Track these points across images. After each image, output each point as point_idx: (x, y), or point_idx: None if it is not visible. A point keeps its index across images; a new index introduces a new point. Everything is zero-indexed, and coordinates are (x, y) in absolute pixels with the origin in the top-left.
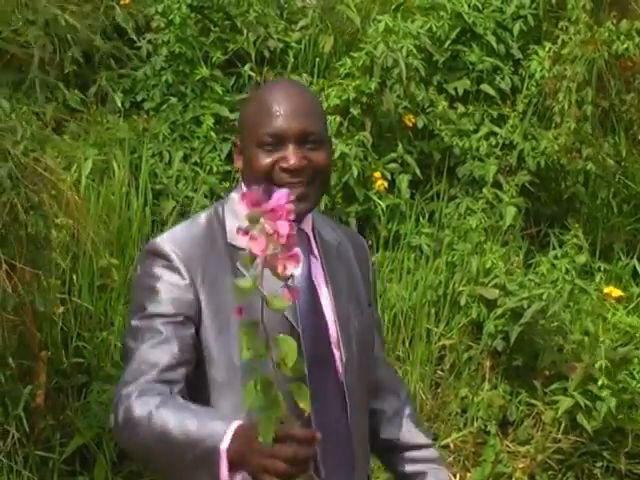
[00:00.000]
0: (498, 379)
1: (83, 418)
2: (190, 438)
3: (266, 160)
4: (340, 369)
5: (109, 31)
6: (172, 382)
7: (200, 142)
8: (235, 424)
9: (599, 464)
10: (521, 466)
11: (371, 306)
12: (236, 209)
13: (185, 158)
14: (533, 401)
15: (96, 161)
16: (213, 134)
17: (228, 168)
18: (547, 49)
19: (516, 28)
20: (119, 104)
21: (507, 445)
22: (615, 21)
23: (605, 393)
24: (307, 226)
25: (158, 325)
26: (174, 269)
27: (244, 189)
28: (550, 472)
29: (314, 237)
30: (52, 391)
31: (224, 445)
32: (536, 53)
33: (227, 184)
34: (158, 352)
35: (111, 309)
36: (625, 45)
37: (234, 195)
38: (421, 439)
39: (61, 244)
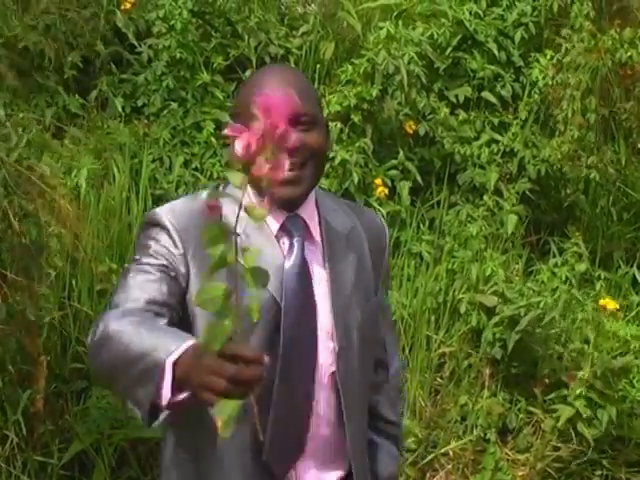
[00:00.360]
0: (497, 387)
1: (82, 423)
2: (142, 350)
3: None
4: (330, 359)
5: (110, 36)
6: (158, 314)
7: (201, 148)
8: (189, 342)
9: (598, 472)
10: (520, 474)
11: (378, 292)
12: (234, 192)
13: (185, 163)
14: (532, 409)
15: (94, 168)
16: (214, 140)
17: None
18: (549, 57)
19: (517, 36)
20: (120, 109)
21: (506, 453)
22: (618, 29)
23: (608, 402)
24: (305, 212)
25: (150, 268)
26: (170, 237)
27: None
28: None
29: (319, 223)
30: (51, 396)
31: (171, 358)
32: (537, 61)
33: None
34: (148, 287)
35: None
36: (629, 53)
37: None
38: (390, 415)
39: (60, 249)
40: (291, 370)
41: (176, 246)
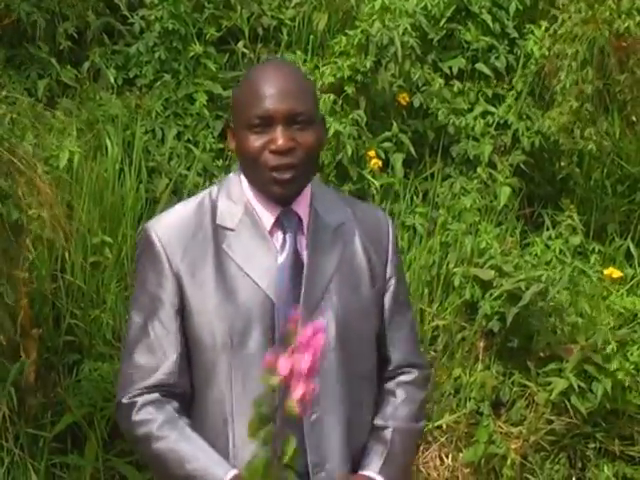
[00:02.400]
0: (491, 360)
1: (74, 396)
2: (188, 472)
3: (255, 143)
4: None
5: (101, 7)
6: (172, 392)
7: (193, 119)
8: (233, 473)
9: (592, 445)
10: (514, 447)
11: (376, 285)
12: (231, 190)
13: (178, 135)
14: (526, 382)
15: (85, 141)
16: (206, 111)
17: (221, 146)
18: (544, 28)
19: (512, 7)
20: (112, 80)
21: (500, 426)
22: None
23: (603, 375)
24: (299, 206)
25: (161, 314)
26: (159, 258)
27: (237, 173)
28: (543, 453)
29: (309, 214)
30: (43, 369)
31: None
32: (532, 32)
33: (220, 162)
34: (159, 352)
35: (104, 287)
36: (626, 24)
37: (231, 176)
38: (379, 420)
39: (41, 231)
40: None
41: (167, 262)
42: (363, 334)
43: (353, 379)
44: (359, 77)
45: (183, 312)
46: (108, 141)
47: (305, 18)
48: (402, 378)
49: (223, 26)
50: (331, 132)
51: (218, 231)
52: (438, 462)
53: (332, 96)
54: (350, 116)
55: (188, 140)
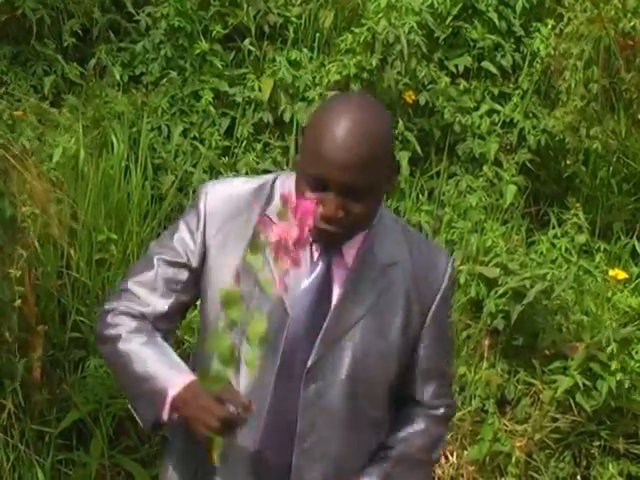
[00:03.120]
0: (496, 358)
1: (80, 392)
2: (147, 374)
3: (307, 194)
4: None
5: (107, 4)
6: (154, 326)
7: (199, 116)
8: (189, 378)
9: (596, 443)
10: (518, 445)
11: (407, 336)
12: (290, 188)
13: (184, 132)
14: (531, 380)
15: (90, 138)
16: (212, 109)
17: (227, 143)
18: (550, 27)
19: (518, 5)
20: (118, 78)
21: (505, 424)
22: None
23: (609, 373)
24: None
25: (167, 259)
26: (197, 222)
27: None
28: (547, 451)
29: (359, 247)
30: (49, 365)
31: (172, 392)
32: (538, 30)
33: (226, 159)
34: (157, 292)
35: (109, 284)
36: (632, 23)
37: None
38: (390, 441)
39: (34, 229)
40: (287, 371)
41: (202, 230)
42: (380, 379)
43: (358, 421)
44: (365, 75)
45: (199, 281)
46: (114, 138)
47: (311, 16)
48: (426, 411)
49: (229, 23)
50: None
51: (264, 221)
52: (443, 460)
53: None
54: None
55: (194, 137)
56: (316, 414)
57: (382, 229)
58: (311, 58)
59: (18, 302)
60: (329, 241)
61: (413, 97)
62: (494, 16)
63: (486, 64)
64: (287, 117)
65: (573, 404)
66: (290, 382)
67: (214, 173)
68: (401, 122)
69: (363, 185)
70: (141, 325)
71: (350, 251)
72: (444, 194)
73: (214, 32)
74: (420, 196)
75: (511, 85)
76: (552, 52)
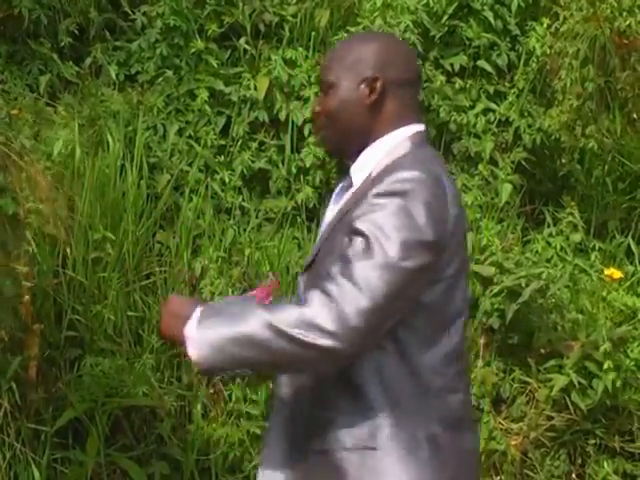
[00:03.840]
0: (491, 356)
1: (76, 391)
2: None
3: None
4: None
5: (103, 3)
6: None
7: (195, 115)
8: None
9: (592, 442)
10: (514, 443)
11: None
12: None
13: (180, 131)
14: (527, 379)
15: (86, 137)
16: (208, 107)
17: (223, 142)
18: (545, 25)
19: (514, 4)
20: (114, 76)
21: (500, 422)
22: None
23: (603, 371)
24: (357, 163)
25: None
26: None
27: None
28: (543, 449)
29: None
30: (45, 364)
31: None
32: (534, 29)
33: (222, 158)
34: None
35: (105, 283)
36: (627, 22)
37: None
38: None
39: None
40: None
41: None
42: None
43: None
44: None
45: None
46: (110, 137)
47: (307, 14)
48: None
49: (225, 22)
50: None
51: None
52: None
53: None
54: None
55: (190, 136)
56: None
57: (402, 161)
58: (307, 57)
59: (26, 298)
60: (326, 147)
61: None
62: (490, 15)
63: (482, 63)
64: (283, 116)
65: (569, 402)
66: None
67: (209, 172)
68: None
69: (328, 77)
70: None
71: (359, 175)
72: None
73: (210, 31)
74: None
75: (507, 84)
76: (548, 51)
